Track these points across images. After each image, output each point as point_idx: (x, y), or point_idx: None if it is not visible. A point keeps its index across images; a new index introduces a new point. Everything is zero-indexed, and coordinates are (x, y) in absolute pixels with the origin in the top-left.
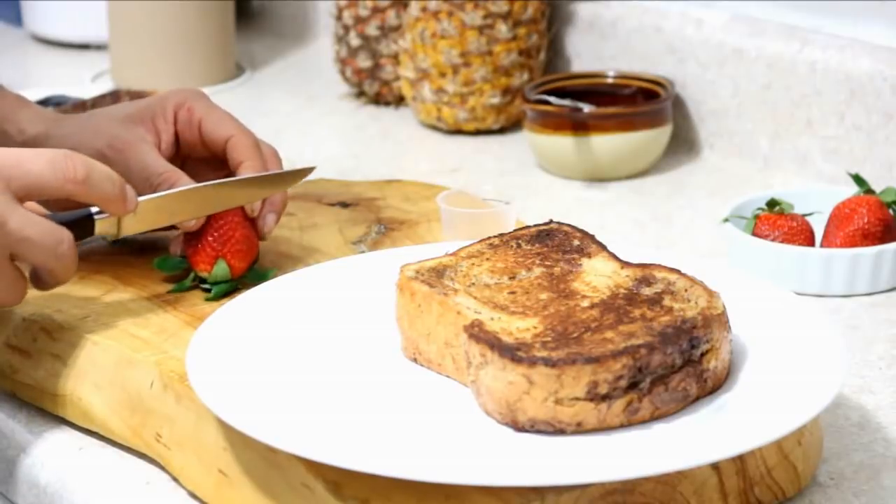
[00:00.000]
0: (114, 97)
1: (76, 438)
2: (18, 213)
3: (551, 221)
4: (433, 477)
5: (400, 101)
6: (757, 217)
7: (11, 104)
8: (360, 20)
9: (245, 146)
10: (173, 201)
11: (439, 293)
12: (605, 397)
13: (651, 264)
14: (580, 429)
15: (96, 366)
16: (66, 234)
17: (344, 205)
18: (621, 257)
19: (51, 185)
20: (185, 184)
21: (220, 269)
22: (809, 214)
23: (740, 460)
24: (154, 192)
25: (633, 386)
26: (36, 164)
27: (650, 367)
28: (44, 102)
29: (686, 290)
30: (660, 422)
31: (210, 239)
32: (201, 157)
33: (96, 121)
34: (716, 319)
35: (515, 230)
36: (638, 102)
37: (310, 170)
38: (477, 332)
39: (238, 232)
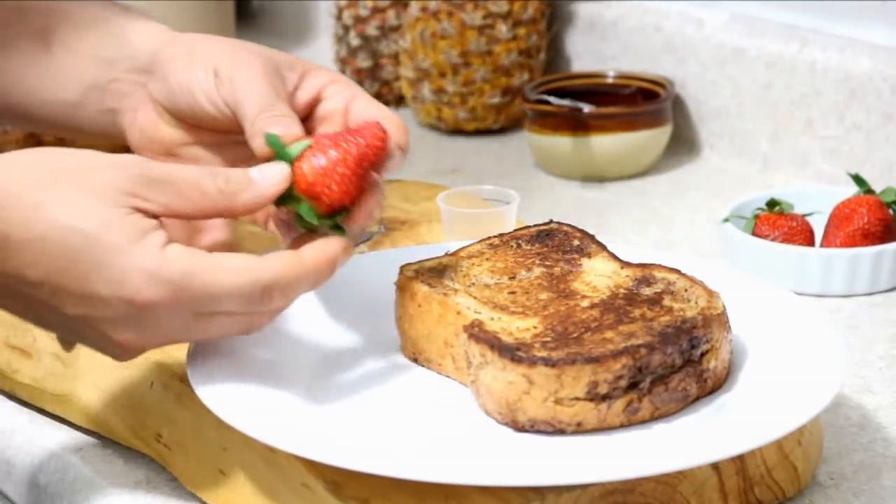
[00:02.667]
0: None
1: (76, 438)
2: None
3: (551, 221)
4: (433, 477)
5: (400, 101)
6: (757, 217)
7: (123, 24)
8: (360, 20)
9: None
10: None
11: (439, 293)
12: (605, 397)
13: (651, 264)
14: (580, 429)
15: (96, 366)
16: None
17: None
18: (621, 257)
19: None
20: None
21: (306, 210)
22: (809, 214)
23: (740, 460)
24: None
25: (633, 386)
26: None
27: (650, 367)
28: None
29: (686, 290)
30: (660, 422)
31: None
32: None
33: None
34: (716, 319)
35: (515, 230)
36: (638, 102)
37: None
38: (477, 332)
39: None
